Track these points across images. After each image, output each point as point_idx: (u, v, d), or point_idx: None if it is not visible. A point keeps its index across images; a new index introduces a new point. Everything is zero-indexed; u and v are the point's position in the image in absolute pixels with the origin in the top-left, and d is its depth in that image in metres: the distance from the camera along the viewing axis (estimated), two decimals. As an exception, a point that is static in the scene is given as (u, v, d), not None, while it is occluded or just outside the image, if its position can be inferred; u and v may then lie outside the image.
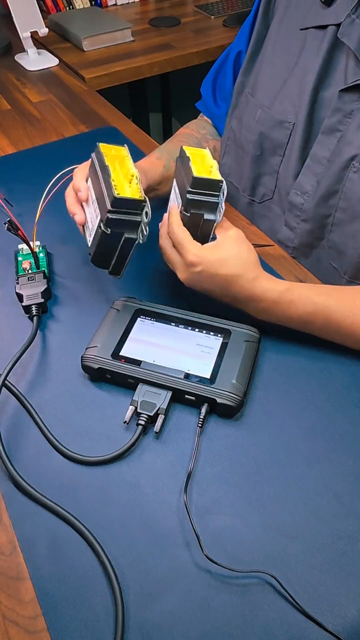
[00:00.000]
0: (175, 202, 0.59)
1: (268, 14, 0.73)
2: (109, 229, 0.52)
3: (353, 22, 0.60)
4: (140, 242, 0.54)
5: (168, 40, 1.44)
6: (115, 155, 0.56)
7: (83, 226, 0.60)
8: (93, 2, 1.63)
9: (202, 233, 0.56)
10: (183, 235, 0.54)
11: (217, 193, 0.53)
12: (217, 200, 0.54)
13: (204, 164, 0.55)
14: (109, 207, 0.51)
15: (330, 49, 0.64)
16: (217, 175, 0.53)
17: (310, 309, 0.55)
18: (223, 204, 0.54)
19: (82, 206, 0.60)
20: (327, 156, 0.66)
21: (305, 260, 0.74)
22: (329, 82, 0.65)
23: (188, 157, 0.55)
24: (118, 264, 0.56)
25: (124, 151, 0.57)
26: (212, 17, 1.56)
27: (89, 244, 0.57)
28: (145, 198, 0.52)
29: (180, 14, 1.60)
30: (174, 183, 0.60)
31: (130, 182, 0.53)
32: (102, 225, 0.53)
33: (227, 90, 0.82)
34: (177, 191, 0.58)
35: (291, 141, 0.70)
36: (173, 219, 0.56)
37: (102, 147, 0.56)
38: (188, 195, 0.53)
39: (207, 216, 0.54)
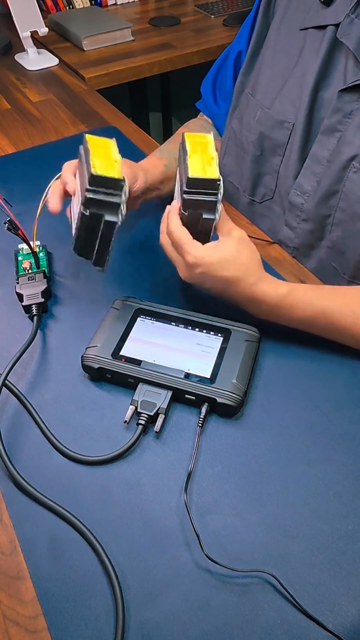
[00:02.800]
0: (178, 196, 0.57)
1: (268, 14, 0.73)
2: (87, 210, 0.52)
3: (352, 22, 0.60)
4: (119, 224, 0.53)
5: (168, 40, 1.44)
6: (99, 144, 0.55)
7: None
8: (93, 2, 1.63)
9: (202, 231, 0.55)
10: (182, 235, 0.53)
11: (215, 192, 0.52)
12: (215, 199, 0.52)
13: (204, 156, 0.53)
14: (87, 186, 0.51)
15: (329, 49, 0.64)
16: (214, 173, 0.51)
17: (312, 311, 0.54)
18: (220, 202, 0.53)
19: (72, 203, 0.60)
20: (327, 156, 0.66)
21: (306, 260, 0.74)
22: (328, 82, 0.65)
23: (186, 150, 0.53)
24: (101, 252, 0.56)
25: (110, 142, 0.56)
26: (212, 16, 1.56)
27: (73, 234, 0.57)
28: (123, 177, 0.51)
29: (180, 14, 1.60)
30: (177, 174, 0.59)
31: (112, 167, 0.52)
32: (82, 207, 0.52)
33: (227, 90, 0.82)
34: (178, 185, 0.57)
35: (291, 141, 0.70)
36: (172, 218, 0.55)
37: (88, 137, 0.55)
38: (184, 195, 0.52)
39: (205, 215, 0.53)
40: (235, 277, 0.53)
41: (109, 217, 0.53)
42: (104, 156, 0.53)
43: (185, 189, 0.52)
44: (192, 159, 0.52)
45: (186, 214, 0.53)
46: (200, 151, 0.53)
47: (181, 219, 0.54)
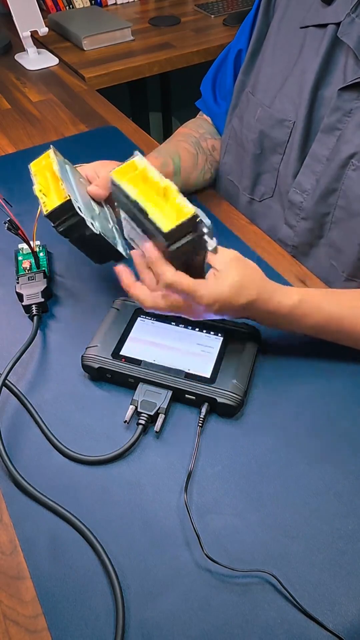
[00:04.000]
0: (137, 236, 0.51)
1: (268, 13, 0.73)
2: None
3: (353, 21, 0.60)
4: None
5: (168, 40, 1.44)
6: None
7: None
8: (93, 2, 1.63)
9: (197, 266, 0.51)
10: (185, 281, 0.48)
11: (199, 226, 0.45)
12: (203, 232, 0.46)
13: (155, 192, 0.45)
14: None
15: (329, 47, 0.64)
16: (183, 209, 0.44)
17: (322, 319, 0.54)
18: (209, 227, 0.46)
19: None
20: (327, 155, 0.66)
21: (305, 259, 0.74)
22: (328, 81, 0.65)
23: (136, 200, 0.45)
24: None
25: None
26: (212, 16, 1.56)
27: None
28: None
29: (180, 13, 1.60)
30: (122, 218, 0.52)
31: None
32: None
33: (227, 89, 0.82)
34: (134, 225, 0.50)
35: (291, 140, 0.70)
36: (165, 269, 0.48)
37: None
38: (170, 249, 0.46)
39: (199, 250, 0.48)
40: (251, 300, 0.51)
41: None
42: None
43: (166, 244, 0.45)
44: (151, 209, 0.45)
45: (180, 260, 0.49)
46: (149, 189, 0.46)
47: (170, 262, 0.48)
